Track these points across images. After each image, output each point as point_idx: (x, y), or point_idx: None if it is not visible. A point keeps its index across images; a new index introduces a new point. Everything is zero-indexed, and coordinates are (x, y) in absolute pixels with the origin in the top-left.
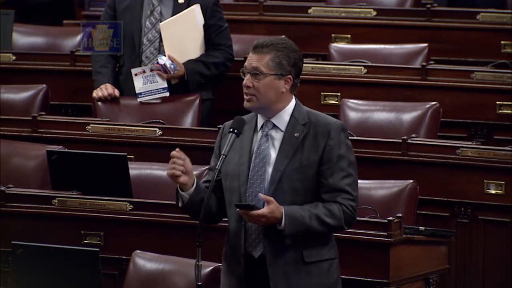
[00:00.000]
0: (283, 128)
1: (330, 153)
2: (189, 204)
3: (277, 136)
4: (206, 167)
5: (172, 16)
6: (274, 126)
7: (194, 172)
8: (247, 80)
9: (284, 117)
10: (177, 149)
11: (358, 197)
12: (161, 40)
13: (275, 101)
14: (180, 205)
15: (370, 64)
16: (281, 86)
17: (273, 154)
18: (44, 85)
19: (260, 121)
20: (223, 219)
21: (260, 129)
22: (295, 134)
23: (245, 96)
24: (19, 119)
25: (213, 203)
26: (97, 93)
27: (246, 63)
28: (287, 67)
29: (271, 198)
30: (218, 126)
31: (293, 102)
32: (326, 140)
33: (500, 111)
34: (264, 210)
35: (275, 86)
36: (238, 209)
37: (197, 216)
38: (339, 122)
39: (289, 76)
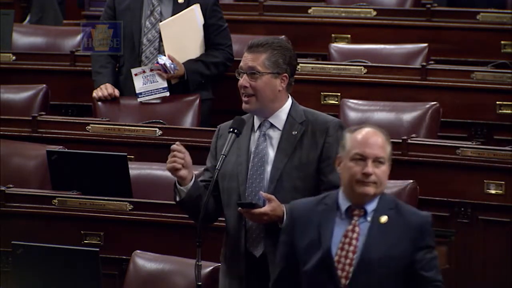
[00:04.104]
0: (280, 127)
1: (329, 150)
2: (186, 199)
3: (275, 135)
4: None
5: (172, 16)
6: (272, 126)
7: (194, 172)
8: (243, 80)
9: (281, 116)
10: (177, 143)
11: None
12: (161, 40)
13: (273, 100)
14: (177, 199)
15: (370, 64)
16: (277, 85)
17: (272, 153)
18: (44, 85)
19: (257, 121)
20: (221, 219)
21: (257, 129)
22: (293, 133)
23: (243, 98)
24: (19, 119)
25: (211, 203)
26: (97, 93)
27: (241, 64)
28: (283, 65)
29: (272, 196)
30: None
31: (289, 101)
32: (324, 138)
33: (500, 111)
34: (266, 208)
35: (272, 84)
36: (240, 208)
37: (192, 213)
38: (336, 120)
39: (285, 74)
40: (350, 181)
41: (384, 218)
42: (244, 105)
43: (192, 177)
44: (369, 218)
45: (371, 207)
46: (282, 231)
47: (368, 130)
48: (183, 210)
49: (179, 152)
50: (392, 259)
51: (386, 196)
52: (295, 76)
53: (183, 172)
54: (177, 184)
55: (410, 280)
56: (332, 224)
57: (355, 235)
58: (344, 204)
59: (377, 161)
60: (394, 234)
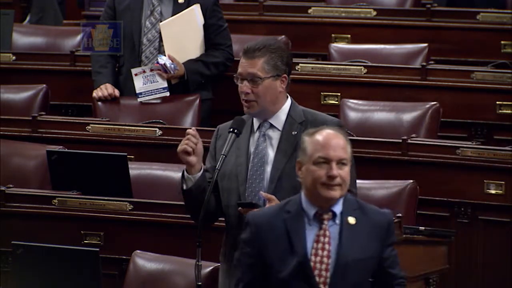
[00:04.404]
0: (280, 128)
1: None
2: (193, 189)
3: (275, 135)
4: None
5: (172, 16)
6: (271, 126)
7: None
8: (244, 86)
9: (280, 116)
10: (193, 128)
11: (357, 194)
12: (161, 40)
13: (274, 102)
14: (184, 188)
15: (370, 64)
16: (278, 86)
17: (271, 154)
18: (44, 85)
19: (256, 121)
20: (221, 219)
21: (257, 130)
22: (293, 133)
23: (244, 103)
24: (19, 119)
25: (212, 202)
26: (97, 93)
27: (240, 70)
28: (281, 66)
29: (273, 196)
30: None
31: (288, 101)
32: None
33: (500, 111)
34: None
35: (273, 87)
36: (240, 208)
37: (195, 207)
38: (336, 120)
39: (284, 75)
40: (314, 185)
41: (352, 220)
42: (245, 110)
43: (201, 168)
44: (337, 221)
45: (338, 209)
46: (243, 243)
47: (329, 132)
48: (187, 202)
49: (193, 137)
50: (365, 259)
51: (348, 197)
52: (295, 76)
53: (192, 158)
54: (185, 172)
55: (376, 278)
56: (302, 230)
57: (326, 240)
58: (310, 209)
59: (341, 162)
60: (363, 235)
